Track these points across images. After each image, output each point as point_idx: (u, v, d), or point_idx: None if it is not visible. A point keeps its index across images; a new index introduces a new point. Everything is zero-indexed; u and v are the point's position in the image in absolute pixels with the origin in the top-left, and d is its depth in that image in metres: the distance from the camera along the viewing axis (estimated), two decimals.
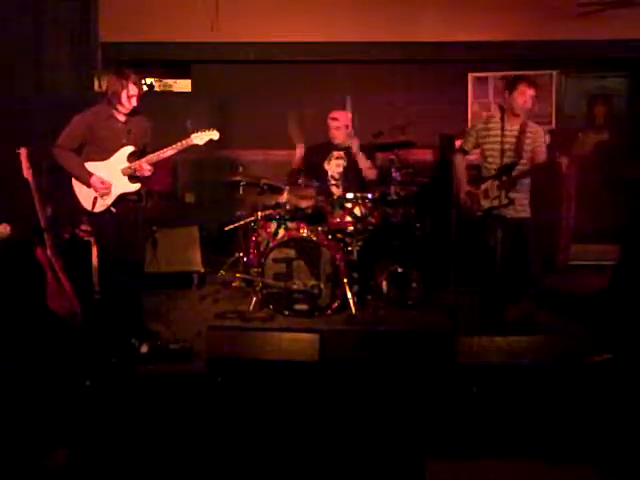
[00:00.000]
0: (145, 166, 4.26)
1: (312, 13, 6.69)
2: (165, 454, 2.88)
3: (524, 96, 4.40)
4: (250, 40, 6.78)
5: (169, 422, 3.12)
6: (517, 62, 6.81)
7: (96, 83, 6.75)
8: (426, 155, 6.78)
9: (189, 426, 3.05)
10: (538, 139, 4.47)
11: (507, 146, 4.40)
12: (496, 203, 4.33)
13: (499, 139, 4.36)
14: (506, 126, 4.38)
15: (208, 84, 7.21)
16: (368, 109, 6.27)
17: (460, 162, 4.76)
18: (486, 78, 7.05)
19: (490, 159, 4.52)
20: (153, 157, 4.27)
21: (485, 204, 4.45)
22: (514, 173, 4.33)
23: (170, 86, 8.97)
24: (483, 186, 4.50)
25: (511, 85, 4.48)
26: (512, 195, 4.29)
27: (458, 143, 6.34)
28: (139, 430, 3.06)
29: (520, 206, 4.42)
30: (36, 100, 5.60)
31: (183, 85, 8.39)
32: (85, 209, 4.36)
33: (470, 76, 7.05)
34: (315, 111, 6.21)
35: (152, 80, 8.75)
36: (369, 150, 5.60)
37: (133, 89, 4.22)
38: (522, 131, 4.43)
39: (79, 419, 3.13)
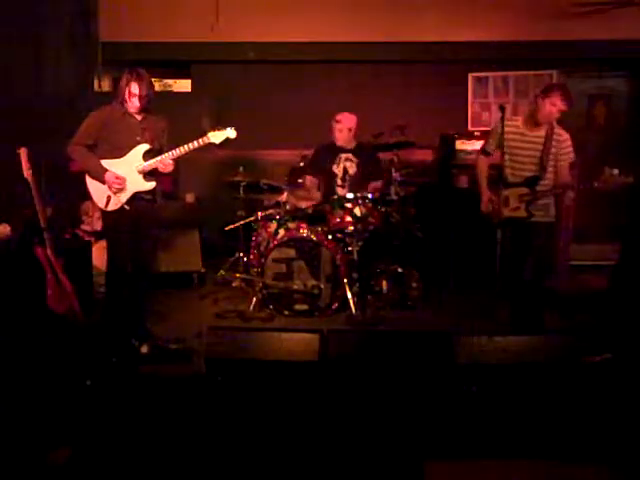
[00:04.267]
0: (168, 161, 4.24)
1: (312, 13, 6.69)
2: (165, 454, 2.88)
3: (554, 107, 4.22)
4: (250, 40, 6.78)
5: (169, 422, 3.12)
6: (517, 62, 6.82)
7: (96, 83, 6.75)
8: (426, 155, 6.78)
9: (189, 426, 3.05)
10: (563, 149, 4.30)
11: (531, 152, 4.31)
12: (516, 214, 4.30)
13: (522, 145, 4.32)
14: (529, 132, 4.32)
15: (208, 84, 7.21)
16: (368, 109, 6.26)
17: (482, 164, 4.62)
18: (486, 78, 7.05)
19: (513, 165, 4.36)
20: (175, 153, 4.25)
21: (505, 212, 4.33)
22: (538, 187, 4.27)
23: (170, 86, 8.96)
24: (504, 192, 4.34)
25: (546, 90, 4.30)
26: (541, 202, 4.29)
27: (459, 143, 6.43)
28: (139, 430, 3.07)
29: (547, 209, 4.35)
30: (36, 100, 5.60)
31: (183, 85, 8.39)
32: (99, 207, 4.35)
33: (470, 76, 7.05)
34: (315, 111, 6.22)
35: (152, 80, 8.75)
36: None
37: (135, 87, 4.18)
38: (547, 138, 4.27)
39: (79, 419, 3.13)
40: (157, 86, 8.79)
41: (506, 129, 4.32)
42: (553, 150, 4.29)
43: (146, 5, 6.75)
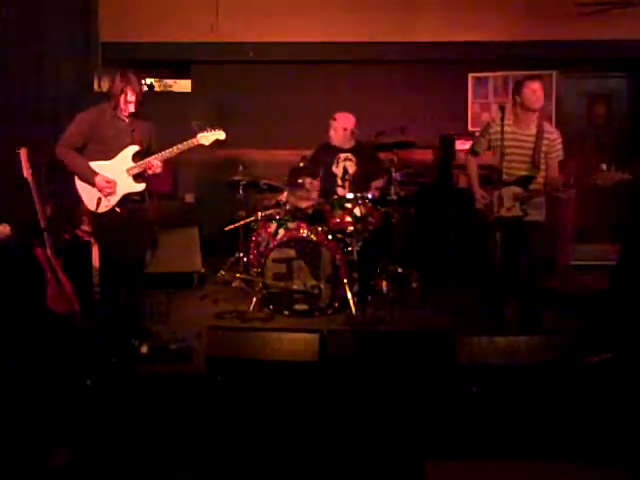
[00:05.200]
0: (156, 162, 4.24)
1: (312, 13, 6.70)
2: (165, 454, 2.88)
3: (536, 92, 4.26)
4: (250, 40, 6.79)
5: (169, 422, 3.12)
6: (517, 62, 6.82)
7: (96, 83, 6.76)
8: (426, 155, 6.78)
9: (189, 426, 3.05)
10: (554, 147, 4.33)
11: (523, 151, 4.33)
12: (511, 213, 4.32)
13: (513, 144, 4.32)
14: (521, 131, 4.33)
15: (208, 84, 7.22)
16: (368, 109, 6.26)
17: (472, 164, 4.61)
18: (486, 78, 7.06)
19: (507, 165, 4.35)
20: (164, 154, 4.25)
21: (500, 212, 4.33)
22: (531, 186, 4.29)
23: (170, 86, 8.97)
24: (498, 192, 4.34)
25: (519, 85, 4.33)
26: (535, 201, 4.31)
27: (459, 143, 6.44)
28: (139, 430, 3.06)
29: (536, 209, 4.35)
30: (36, 100, 5.61)
31: (183, 85, 8.39)
32: (88, 209, 4.35)
33: (470, 76, 7.05)
34: (315, 111, 6.23)
35: (152, 80, 8.75)
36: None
37: (131, 95, 4.18)
38: (539, 136, 4.29)
39: (79, 419, 3.13)
40: (157, 86, 8.85)
41: (498, 129, 4.34)
42: (544, 149, 4.32)
43: (146, 5, 6.76)
